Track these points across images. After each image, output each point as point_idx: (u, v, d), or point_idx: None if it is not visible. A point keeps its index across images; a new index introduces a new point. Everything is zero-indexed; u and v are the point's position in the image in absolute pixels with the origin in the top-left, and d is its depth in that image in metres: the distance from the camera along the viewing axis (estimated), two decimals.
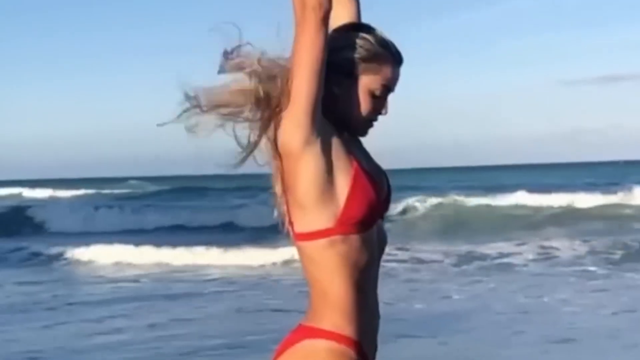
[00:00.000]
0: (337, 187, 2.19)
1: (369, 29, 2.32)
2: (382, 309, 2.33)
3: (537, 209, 24.72)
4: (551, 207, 24.92)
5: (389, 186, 2.38)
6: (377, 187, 2.27)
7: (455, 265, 15.98)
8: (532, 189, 27.28)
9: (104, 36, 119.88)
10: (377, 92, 2.29)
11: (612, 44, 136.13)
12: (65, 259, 18.47)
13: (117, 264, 17.62)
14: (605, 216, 23.32)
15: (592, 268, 15.02)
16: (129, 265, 17.40)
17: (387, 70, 2.29)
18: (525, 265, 15.68)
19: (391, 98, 2.34)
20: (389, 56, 2.30)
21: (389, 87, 2.31)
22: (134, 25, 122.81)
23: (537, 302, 11.56)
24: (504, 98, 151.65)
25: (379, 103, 2.30)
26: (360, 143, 2.37)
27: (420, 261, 16.50)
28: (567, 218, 23.37)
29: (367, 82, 2.27)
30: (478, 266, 15.68)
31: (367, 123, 2.32)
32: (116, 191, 46.75)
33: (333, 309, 2.22)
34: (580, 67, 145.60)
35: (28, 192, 48.91)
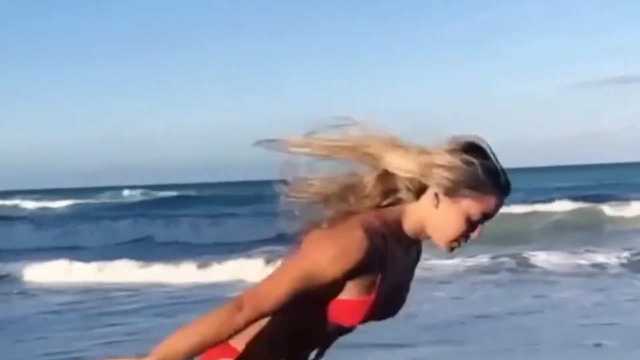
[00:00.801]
0: (346, 289, 2.20)
1: (482, 153, 2.22)
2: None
3: (547, 214, 24.40)
4: (563, 211, 24.53)
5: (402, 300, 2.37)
6: (378, 312, 2.26)
7: (471, 270, 15.47)
8: (544, 192, 27.08)
9: (106, 46, 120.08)
10: (474, 218, 2.22)
11: (624, 44, 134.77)
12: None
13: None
14: (621, 220, 23.29)
15: (606, 272, 14.76)
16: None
17: (490, 201, 2.22)
18: (543, 268, 15.28)
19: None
20: (495, 187, 2.21)
21: (489, 215, 2.24)
22: (135, 35, 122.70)
23: (554, 305, 11.40)
24: (515, 101, 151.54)
25: (472, 227, 2.24)
26: (413, 249, 2.35)
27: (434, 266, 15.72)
28: (579, 222, 23.12)
29: (466, 207, 2.21)
30: (492, 272, 15.20)
31: (452, 243, 2.26)
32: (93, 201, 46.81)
33: (259, 339, 2.25)
34: (592, 68, 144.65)
35: (18, 203, 48.60)
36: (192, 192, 51.16)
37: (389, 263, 2.21)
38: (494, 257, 15.93)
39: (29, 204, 47.35)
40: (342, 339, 2.36)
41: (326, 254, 2.12)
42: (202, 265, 16.29)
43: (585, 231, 21.46)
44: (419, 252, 2.39)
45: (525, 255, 16.44)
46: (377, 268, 2.18)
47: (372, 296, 2.20)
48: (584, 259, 15.82)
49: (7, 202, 48.97)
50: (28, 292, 14.88)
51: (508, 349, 8.71)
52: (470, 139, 2.24)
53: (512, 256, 16.22)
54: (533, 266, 15.47)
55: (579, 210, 24.68)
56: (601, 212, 24.27)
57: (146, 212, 33.76)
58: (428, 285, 13.26)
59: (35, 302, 13.67)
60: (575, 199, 26.15)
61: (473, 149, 2.22)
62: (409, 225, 2.24)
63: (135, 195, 52.57)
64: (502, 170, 2.23)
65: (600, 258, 15.78)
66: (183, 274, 15.90)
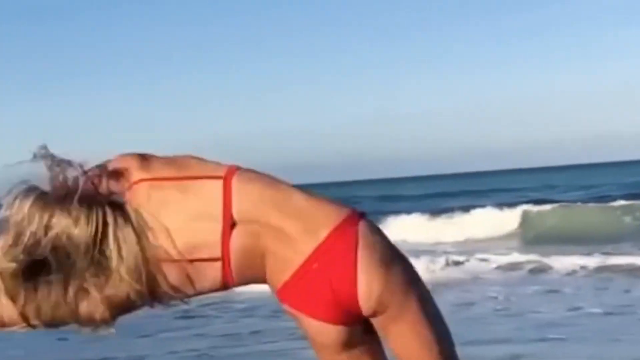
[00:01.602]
0: None
1: None
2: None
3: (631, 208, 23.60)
4: None
5: None
6: None
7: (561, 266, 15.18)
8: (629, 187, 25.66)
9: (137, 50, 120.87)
10: None
11: None
12: None
13: None
14: None
15: None
16: None
17: None
18: (629, 264, 14.93)
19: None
20: None
21: None
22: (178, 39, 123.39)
23: None
24: (610, 92, 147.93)
25: None
26: None
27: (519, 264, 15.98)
28: None
29: None
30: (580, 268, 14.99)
31: None
32: None
33: None
34: None
35: None
36: None
37: None
38: (580, 254, 15.84)
39: None
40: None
41: None
42: None
43: None
44: None
45: (609, 250, 16.52)
46: None
47: None
48: None
49: None
50: None
51: (612, 339, 8.80)
52: None
53: (595, 253, 16.14)
54: (618, 262, 15.22)
55: None
56: None
57: None
58: (519, 282, 13.63)
59: None
60: None
61: None
62: None
63: None
64: None
65: None
66: None
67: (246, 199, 2.55)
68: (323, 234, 2.56)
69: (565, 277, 14.11)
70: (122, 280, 2.42)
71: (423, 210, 25.96)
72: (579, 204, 25.77)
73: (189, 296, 2.59)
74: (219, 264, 2.53)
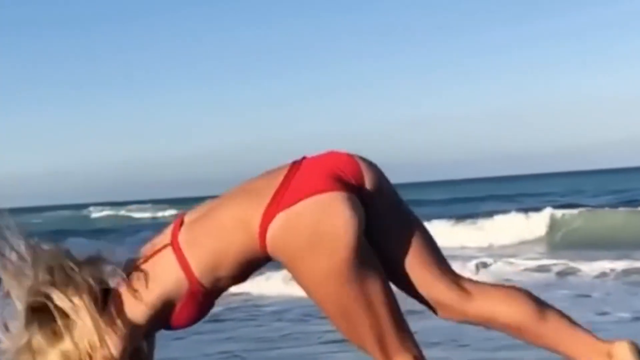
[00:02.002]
0: None
1: None
2: None
3: None
4: None
5: None
6: None
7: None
8: None
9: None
10: None
11: None
12: None
13: None
14: None
15: None
16: None
17: None
18: None
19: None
20: None
21: None
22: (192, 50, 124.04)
23: None
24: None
25: None
26: None
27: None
28: None
29: None
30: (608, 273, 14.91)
31: None
32: None
33: None
34: None
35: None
36: None
37: None
38: (609, 258, 15.67)
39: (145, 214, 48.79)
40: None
41: None
42: None
43: None
44: None
45: (638, 255, 16.28)
46: None
47: None
48: None
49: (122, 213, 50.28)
50: None
51: None
52: None
53: (624, 257, 16.00)
54: None
55: None
56: None
57: None
58: (548, 286, 13.50)
59: None
60: None
61: None
62: None
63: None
64: None
65: None
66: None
67: (193, 213, 2.83)
68: (287, 166, 2.74)
69: (594, 280, 14.08)
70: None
71: (449, 216, 25.87)
72: (606, 208, 25.61)
73: (157, 311, 2.76)
74: (169, 250, 2.69)
